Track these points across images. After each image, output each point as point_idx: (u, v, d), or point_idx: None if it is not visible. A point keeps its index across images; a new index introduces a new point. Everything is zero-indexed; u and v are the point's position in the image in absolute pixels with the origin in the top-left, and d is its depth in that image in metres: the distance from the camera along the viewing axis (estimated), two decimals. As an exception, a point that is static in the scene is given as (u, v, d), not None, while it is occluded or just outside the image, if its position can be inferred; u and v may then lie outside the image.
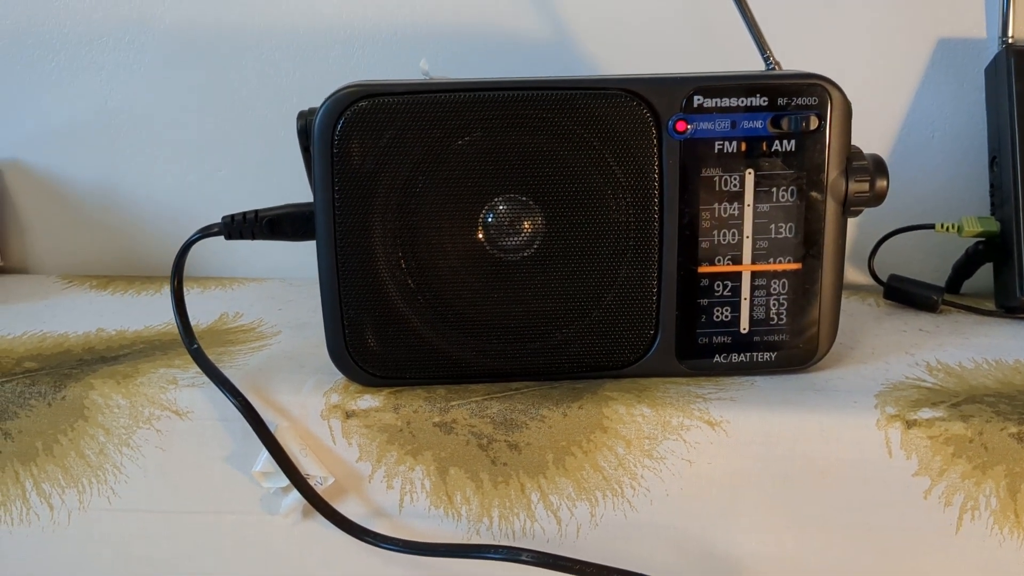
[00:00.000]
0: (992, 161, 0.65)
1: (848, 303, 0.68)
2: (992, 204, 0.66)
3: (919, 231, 0.66)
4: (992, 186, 0.66)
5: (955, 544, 0.49)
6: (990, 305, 0.66)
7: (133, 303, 0.70)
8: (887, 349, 0.58)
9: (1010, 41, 0.66)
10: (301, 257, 0.77)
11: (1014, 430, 0.48)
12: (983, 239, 0.65)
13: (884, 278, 0.67)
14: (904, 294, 0.66)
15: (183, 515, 0.54)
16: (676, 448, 0.50)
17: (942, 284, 0.68)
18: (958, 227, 0.64)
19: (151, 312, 0.67)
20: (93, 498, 0.54)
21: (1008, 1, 0.65)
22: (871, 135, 0.71)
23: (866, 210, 0.52)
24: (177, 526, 0.54)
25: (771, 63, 0.57)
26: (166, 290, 0.74)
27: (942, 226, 0.65)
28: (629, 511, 0.51)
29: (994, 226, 0.64)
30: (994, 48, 0.67)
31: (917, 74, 0.70)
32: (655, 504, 0.50)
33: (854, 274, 0.72)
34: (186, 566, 0.55)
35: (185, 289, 0.72)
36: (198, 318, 0.65)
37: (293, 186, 0.71)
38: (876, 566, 0.50)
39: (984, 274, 0.68)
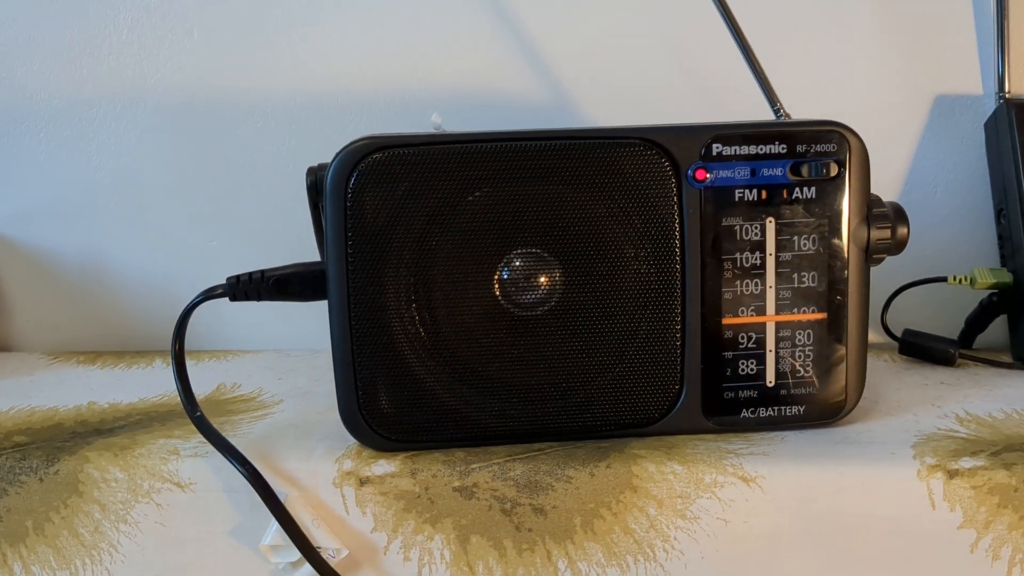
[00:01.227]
0: (999, 213, 0.65)
1: (863, 359, 0.66)
2: (1002, 256, 0.65)
3: (931, 284, 0.66)
4: (1001, 238, 0.65)
5: (1006, 601, 0.47)
6: (1007, 358, 0.65)
7: (124, 376, 0.67)
8: (912, 402, 0.56)
9: (1007, 96, 0.66)
10: (297, 329, 0.75)
11: (1060, 477, 0.46)
12: (996, 291, 0.64)
13: (897, 332, 0.66)
14: (920, 348, 0.65)
15: (184, 596, 0.50)
16: (710, 507, 0.47)
17: (955, 337, 0.68)
18: (971, 279, 0.64)
19: (145, 384, 0.64)
20: (86, 581, 0.51)
21: (1003, 58, 0.66)
22: (874, 191, 0.71)
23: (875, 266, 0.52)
24: (177, 609, 0.50)
25: (781, 114, 0.56)
26: (158, 363, 0.71)
27: (955, 278, 0.64)
28: (662, 575, 0.48)
29: (1007, 277, 0.63)
30: (991, 103, 0.68)
31: (916, 131, 0.70)
32: (690, 568, 0.48)
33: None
34: (186, 653, 0.51)
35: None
36: (194, 389, 0.62)
37: (291, 255, 0.69)
38: (924, 627, 0.47)
39: (995, 329, 0.67)
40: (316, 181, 0.50)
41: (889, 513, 0.47)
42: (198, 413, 0.51)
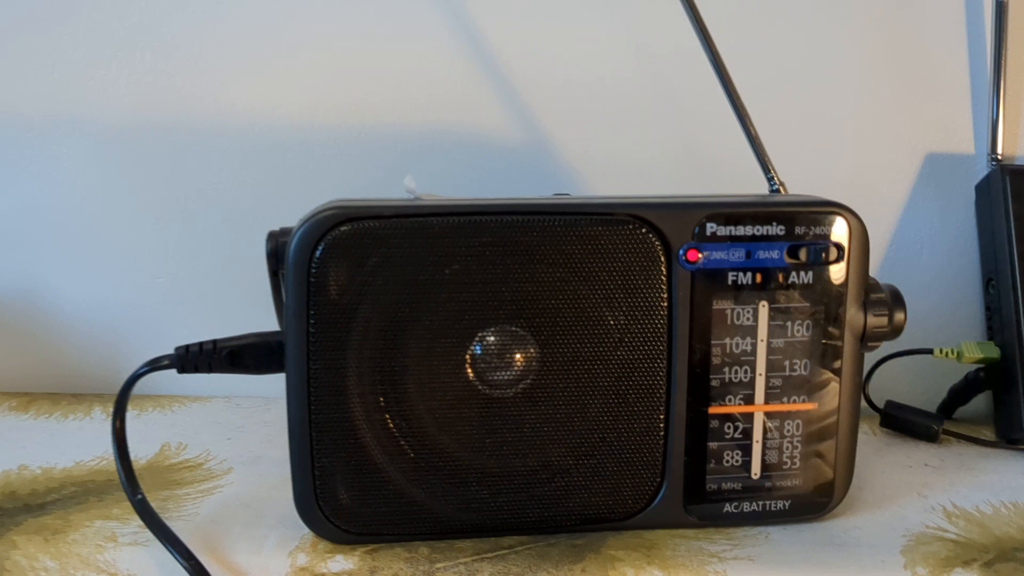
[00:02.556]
0: (987, 283, 0.63)
1: (843, 430, 0.64)
2: (990, 328, 0.63)
3: (916, 355, 0.63)
4: (989, 308, 0.63)
5: None
6: (989, 433, 0.63)
7: (59, 430, 0.62)
8: (898, 490, 0.54)
9: (1000, 159, 0.64)
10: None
11: (1057, 594, 0.44)
12: (983, 366, 0.62)
13: (879, 402, 0.64)
14: (902, 422, 0.62)
15: None
16: (693, 616, 0.44)
17: (934, 407, 0.65)
18: (957, 353, 0.61)
19: (80, 442, 0.59)
20: None
21: (997, 119, 0.64)
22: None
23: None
24: None
25: (775, 185, 0.53)
26: (96, 413, 0.66)
27: (941, 351, 0.62)
28: None
29: (994, 352, 0.61)
30: (982, 163, 0.66)
31: (906, 188, 0.67)
32: None
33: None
34: None
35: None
36: (136, 451, 0.57)
37: (242, 297, 0.64)
38: None
39: (977, 399, 0.65)
40: (277, 248, 0.46)
41: (880, 627, 0.44)
42: (139, 496, 0.46)
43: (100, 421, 0.64)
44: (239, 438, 0.60)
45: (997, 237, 0.62)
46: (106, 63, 0.69)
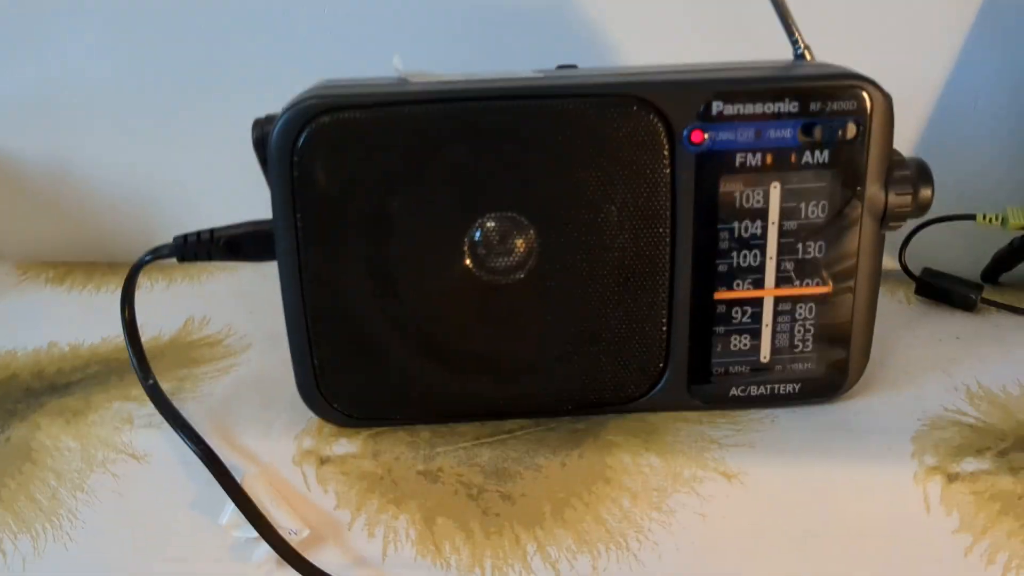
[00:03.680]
0: (1043, 141, 0.58)
1: (877, 298, 0.62)
2: (1042, 191, 0.59)
3: (958, 221, 0.60)
4: (1042, 169, 0.59)
5: (996, 603, 0.44)
6: (1033, 301, 0.60)
7: (90, 303, 0.64)
8: (922, 366, 0.52)
9: (1069, -1, 0.58)
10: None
11: (1069, 486, 0.42)
12: (1030, 232, 0.58)
13: (916, 269, 0.61)
14: (939, 291, 0.59)
15: (148, 563, 0.49)
16: (688, 501, 0.44)
17: (978, 277, 0.62)
18: (1002, 219, 0.58)
19: (109, 317, 0.61)
20: (48, 544, 0.49)
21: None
22: (908, 101, 0.63)
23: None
24: None
25: (800, 49, 0.49)
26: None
27: (984, 217, 0.58)
28: (635, 564, 0.46)
29: (1043, 218, 0.57)
30: (1050, 6, 0.59)
31: (961, 31, 0.61)
32: (664, 558, 0.46)
33: (885, 260, 0.65)
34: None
35: (150, 285, 0.67)
36: (161, 326, 0.59)
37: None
38: (907, 625, 0.45)
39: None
40: (263, 136, 0.45)
41: (879, 514, 0.43)
42: (151, 381, 0.48)
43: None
44: (262, 311, 0.61)
45: (1057, 91, 0.56)
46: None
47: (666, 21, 0.63)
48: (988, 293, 0.60)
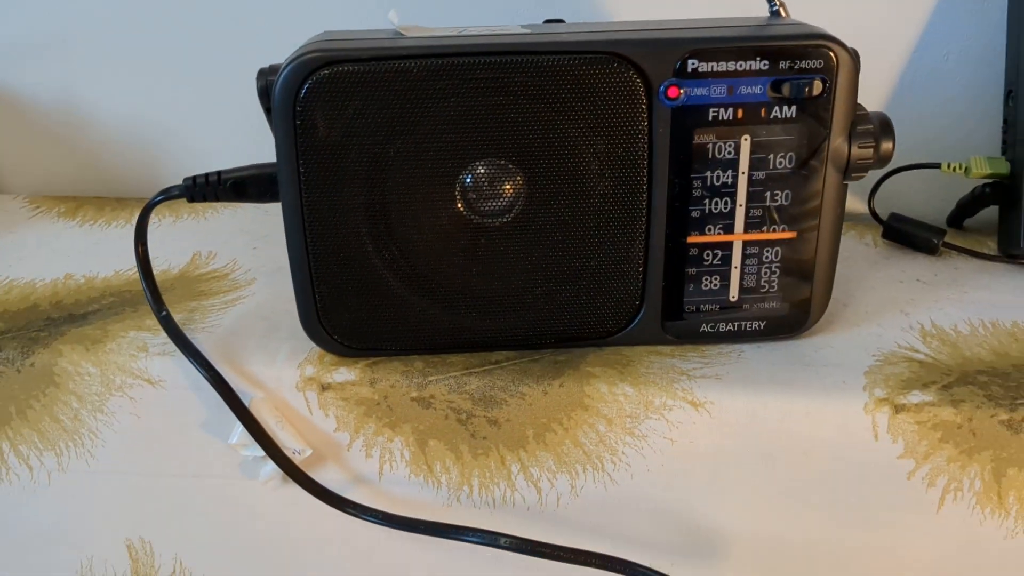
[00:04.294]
0: (1008, 95, 0.61)
1: (845, 241, 0.65)
2: (1004, 142, 0.62)
3: (926, 169, 0.63)
4: (1006, 122, 0.62)
5: (936, 522, 0.49)
6: (992, 245, 0.64)
7: (102, 238, 0.68)
8: (882, 306, 0.56)
9: (1040, -43, 0.60)
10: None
11: (1004, 417, 0.46)
12: (990, 181, 0.61)
13: (887, 214, 0.64)
14: (903, 235, 0.63)
15: (163, 478, 0.54)
16: (658, 427, 0.49)
17: (944, 223, 0.66)
18: (965, 168, 0.61)
19: (121, 250, 0.65)
20: (71, 461, 0.54)
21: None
22: (884, 54, 0.66)
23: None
24: (157, 489, 0.54)
25: (775, 6, 0.52)
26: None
27: (948, 166, 0.61)
28: (610, 484, 0.50)
29: (1004, 168, 0.60)
30: (1022, -36, 0.62)
31: (935, -9, 0.64)
32: (636, 478, 0.50)
33: (856, 203, 0.69)
34: (167, 526, 0.55)
35: (157, 220, 0.70)
36: (170, 260, 0.63)
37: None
38: (856, 541, 0.50)
39: (990, 211, 0.65)
40: (267, 86, 0.48)
41: (832, 440, 0.48)
42: (164, 313, 0.51)
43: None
44: (264, 248, 0.65)
45: (1022, 46, 0.59)
46: None
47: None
48: (951, 237, 0.63)
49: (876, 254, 0.63)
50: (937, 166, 0.62)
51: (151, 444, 0.53)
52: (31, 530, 0.56)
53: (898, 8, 0.64)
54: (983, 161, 0.60)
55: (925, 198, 0.67)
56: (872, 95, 0.65)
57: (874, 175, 0.64)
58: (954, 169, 0.61)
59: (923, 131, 0.66)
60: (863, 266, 0.61)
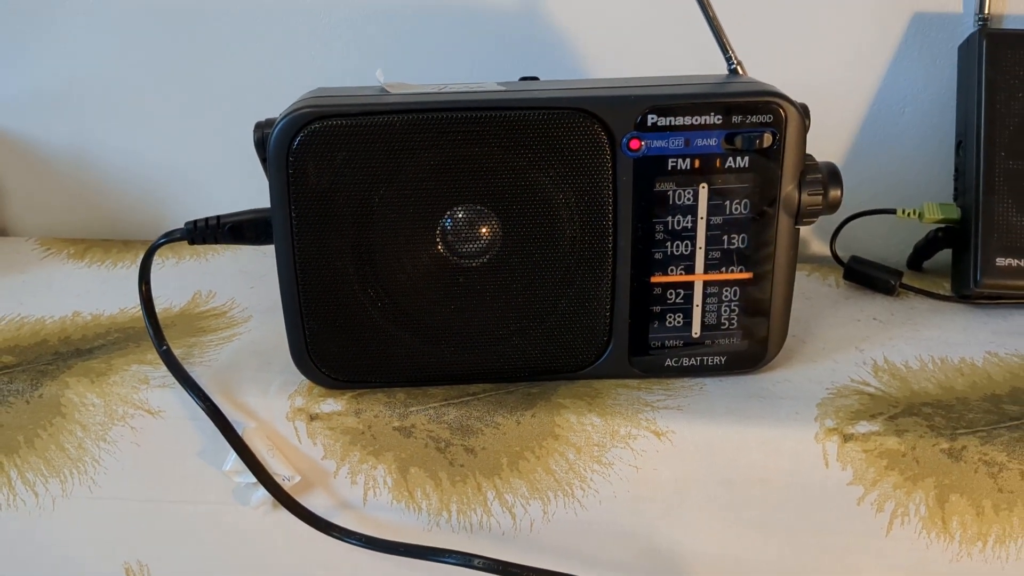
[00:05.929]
0: (958, 145, 0.65)
1: (809, 282, 0.69)
2: (955, 189, 0.66)
3: (884, 215, 0.67)
4: (956, 171, 0.66)
5: (885, 545, 0.52)
6: (947, 286, 0.67)
7: (109, 278, 0.72)
8: (839, 343, 0.59)
9: (987, 18, 0.65)
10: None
11: (945, 446, 0.50)
12: (943, 226, 0.65)
13: (846, 258, 0.68)
14: (863, 276, 0.67)
15: (160, 504, 0.57)
16: (623, 455, 0.52)
17: (903, 265, 0.69)
18: (919, 213, 0.65)
19: (126, 290, 0.69)
20: (75, 487, 0.57)
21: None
22: (844, 107, 0.70)
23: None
24: (155, 514, 0.57)
25: (733, 63, 0.56)
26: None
27: (903, 211, 0.65)
28: (579, 510, 0.54)
29: (955, 213, 0.64)
30: (969, 24, 0.66)
31: (891, 47, 0.68)
32: (603, 504, 0.53)
33: (819, 246, 0.73)
34: (164, 550, 0.58)
35: (160, 261, 0.74)
36: (172, 299, 0.67)
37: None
38: (811, 563, 0.53)
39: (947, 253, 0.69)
40: (263, 138, 0.52)
41: (786, 468, 0.51)
42: (164, 348, 0.55)
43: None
44: (261, 287, 0.69)
45: (969, 100, 0.63)
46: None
47: (626, 36, 0.70)
48: (908, 279, 0.67)
49: (837, 294, 0.67)
50: (893, 212, 0.66)
51: (150, 471, 0.56)
52: (36, 553, 0.59)
53: (856, 66, 0.69)
54: (935, 207, 0.64)
55: (885, 242, 0.71)
56: (832, 146, 0.69)
57: (835, 219, 0.68)
58: (908, 215, 0.65)
59: (881, 179, 0.70)
60: (824, 305, 0.65)
